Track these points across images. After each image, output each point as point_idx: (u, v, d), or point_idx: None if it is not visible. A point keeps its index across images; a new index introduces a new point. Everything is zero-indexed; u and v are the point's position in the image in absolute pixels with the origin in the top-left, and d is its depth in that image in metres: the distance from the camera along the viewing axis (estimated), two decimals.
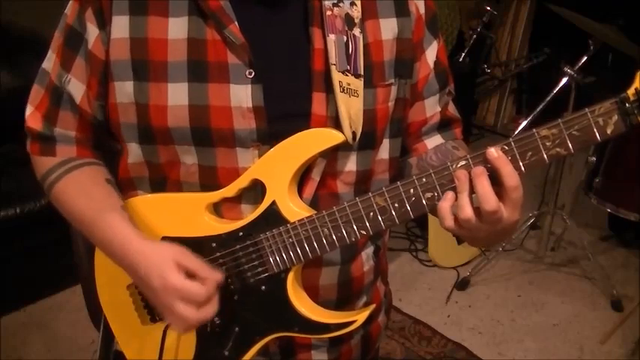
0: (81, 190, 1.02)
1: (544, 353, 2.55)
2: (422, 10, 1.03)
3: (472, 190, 0.85)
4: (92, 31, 0.95)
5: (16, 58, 2.73)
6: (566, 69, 2.62)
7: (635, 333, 2.60)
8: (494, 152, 0.84)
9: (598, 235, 3.33)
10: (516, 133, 2.65)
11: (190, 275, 0.92)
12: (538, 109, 2.67)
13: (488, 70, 4.17)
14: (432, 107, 1.08)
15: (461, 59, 3.50)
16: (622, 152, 2.62)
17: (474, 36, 3.63)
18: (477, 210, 0.85)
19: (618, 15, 2.76)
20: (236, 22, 0.92)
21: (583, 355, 2.55)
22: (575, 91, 2.67)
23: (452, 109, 1.12)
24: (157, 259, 0.92)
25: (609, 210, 2.73)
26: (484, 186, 0.84)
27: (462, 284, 2.92)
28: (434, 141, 1.09)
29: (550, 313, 2.77)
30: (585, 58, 2.64)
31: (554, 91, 2.64)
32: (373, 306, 1.03)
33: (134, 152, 1.00)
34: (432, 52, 1.05)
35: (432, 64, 1.05)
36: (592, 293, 2.91)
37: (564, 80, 2.63)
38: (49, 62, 1.02)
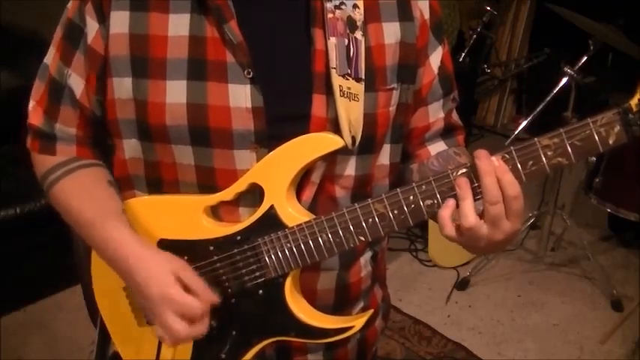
0: (81, 192, 1.02)
1: (544, 353, 2.55)
2: (426, 15, 1.02)
3: (474, 197, 0.85)
4: (92, 26, 0.95)
5: (16, 58, 2.73)
6: (566, 69, 2.62)
7: (635, 333, 2.60)
8: (494, 161, 0.83)
9: (598, 235, 3.32)
10: (516, 133, 2.68)
11: (187, 290, 0.92)
12: (538, 109, 2.67)
13: (488, 70, 4.17)
14: (435, 113, 1.07)
15: (461, 59, 3.51)
16: (622, 152, 2.62)
17: (474, 36, 3.64)
18: (480, 217, 0.84)
19: (618, 15, 2.76)
20: (236, 19, 0.92)
21: (583, 355, 2.55)
22: (575, 91, 2.67)
23: (455, 116, 1.12)
24: (157, 268, 0.93)
25: (609, 210, 2.73)
26: (490, 174, 0.83)
27: (462, 284, 2.92)
28: (437, 147, 1.09)
29: (550, 313, 2.77)
30: (585, 58, 2.64)
31: (554, 91, 2.64)
32: (371, 311, 1.03)
33: (133, 148, 0.99)
34: (436, 58, 1.04)
35: (436, 70, 1.04)
36: (592, 293, 2.91)
37: (564, 80, 2.63)
38: (50, 57, 1.02)
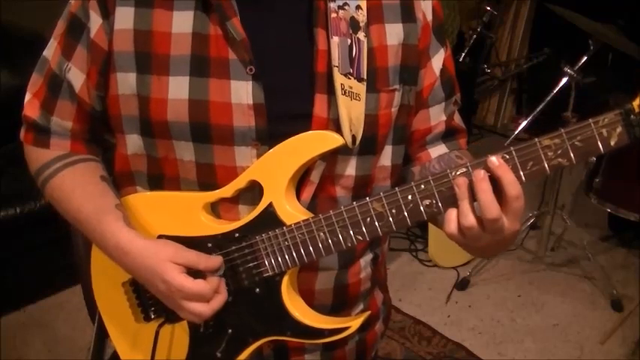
0: (74, 189, 1.02)
1: (544, 353, 2.55)
2: (429, 17, 1.02)
3: (473, 198, 0.84)
4: (95, 20, 0.95)
5: (16, 58, 2.73)
6: (566, 69, 2.62)
7: (635, 333, 2.60)
8: (495, 160, 0.83)
9: (598, 235, 3.32)
10: (516, 133, 2.68)
11: (190, 271, 0.93)
12: (538, 109, 2.67)
13: (488, 70, 4.17)
14: (436, 116, 1.07)
15: (461, 59, 3.51)
16: (622, 152, 2.60)
17: (474, 36, 3.64)
18: (479, 219, 0.84)
19: (618, 15, 2.76)
20: (239, 17, 0.92)
21: (583, 355, 2.54)
22: (575, 91, 2.67)
23: (457, 119, 1.11)
24: (154, 263, 0.93)
25: (609, 210, 2.72)
26: (485, 192, 0.82)
27: (462, 284, 2.92)
28: (438, 150, 1.08)
29: (550, 313, 2.77)
30: (585, 58, 2.64)
31: (554, 91, 2.64)
32: (368, 313, 1.02)
33: (135, 144, 0.99)
34: (438, 60, 1.04)
35: (437, 72, 1.04)
36: (592, 293, 2.90)
37: (564, 80, 2.62)
38: (50, 50, 1.02)
